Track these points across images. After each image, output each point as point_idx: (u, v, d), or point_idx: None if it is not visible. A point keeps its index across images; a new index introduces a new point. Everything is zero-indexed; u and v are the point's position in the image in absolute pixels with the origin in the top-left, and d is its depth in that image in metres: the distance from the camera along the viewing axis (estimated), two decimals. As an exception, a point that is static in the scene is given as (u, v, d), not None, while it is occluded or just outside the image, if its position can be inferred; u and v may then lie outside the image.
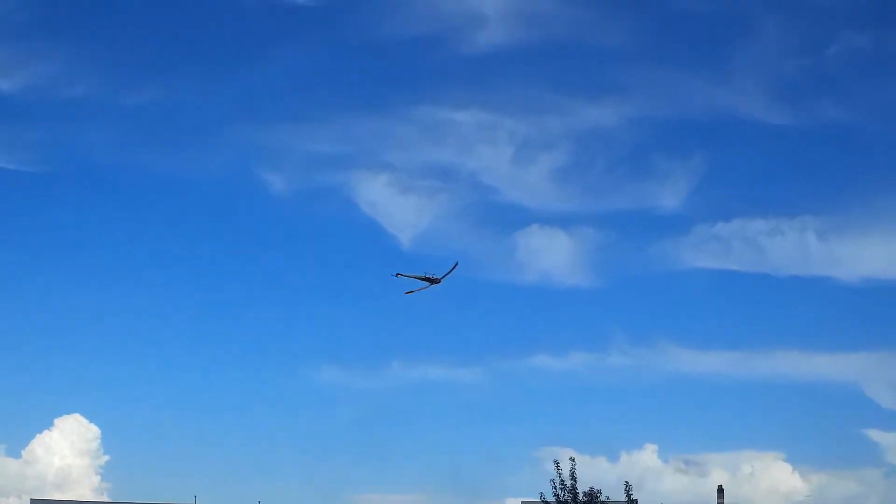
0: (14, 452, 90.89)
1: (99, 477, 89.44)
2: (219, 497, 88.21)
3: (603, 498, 53.27)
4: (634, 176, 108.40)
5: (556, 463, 53.09)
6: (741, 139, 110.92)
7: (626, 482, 53.22)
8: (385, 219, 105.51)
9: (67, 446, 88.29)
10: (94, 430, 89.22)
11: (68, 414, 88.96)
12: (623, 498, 53.59)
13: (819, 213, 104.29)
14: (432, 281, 70.76)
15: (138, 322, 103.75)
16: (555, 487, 52.95)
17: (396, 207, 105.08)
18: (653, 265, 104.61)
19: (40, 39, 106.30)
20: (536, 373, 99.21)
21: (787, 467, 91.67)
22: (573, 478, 52.75)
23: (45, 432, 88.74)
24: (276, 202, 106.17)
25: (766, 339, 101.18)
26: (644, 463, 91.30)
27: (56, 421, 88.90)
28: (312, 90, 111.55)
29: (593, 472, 57.68)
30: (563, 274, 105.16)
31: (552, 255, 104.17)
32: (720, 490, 72.25)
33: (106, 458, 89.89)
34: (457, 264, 70.88)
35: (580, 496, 52.88)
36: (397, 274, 71.14)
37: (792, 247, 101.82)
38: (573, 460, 52.87)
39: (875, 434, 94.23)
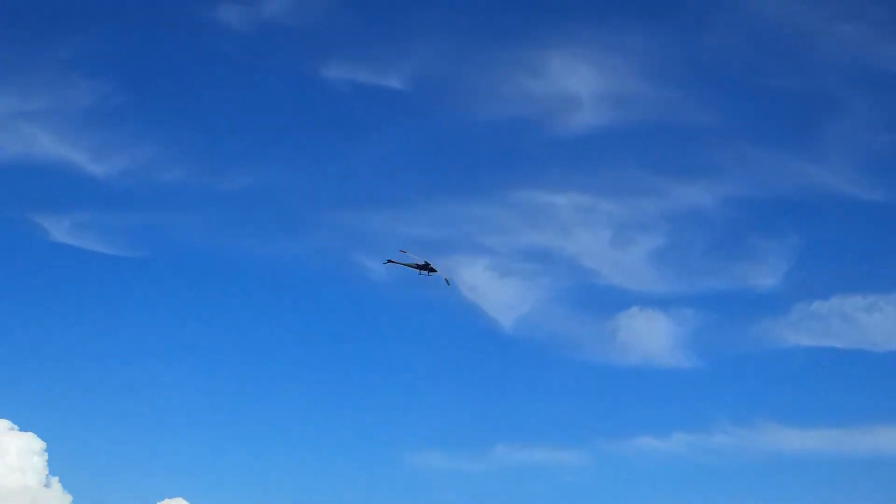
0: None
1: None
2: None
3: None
4: (731, 256, 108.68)
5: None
6: (835, 216, 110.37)
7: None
8: (486, 302, 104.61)
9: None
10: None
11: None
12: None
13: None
14: (423, 267, 71.30)
15: (237, 406, 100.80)
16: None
17: (497, 291, 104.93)
18: (752, 344, 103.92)
19: (137, 125, 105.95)
20: (640, 454, 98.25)
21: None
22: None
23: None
24: (375, 287, 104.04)
25: (868, 416, 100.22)
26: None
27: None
28: (409, 174, 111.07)
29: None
30: (663, 355, 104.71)
31: (652, 337, 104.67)
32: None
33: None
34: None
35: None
36: (389, 261, 71.97)
37: (890, 322, 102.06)
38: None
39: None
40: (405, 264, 71.63)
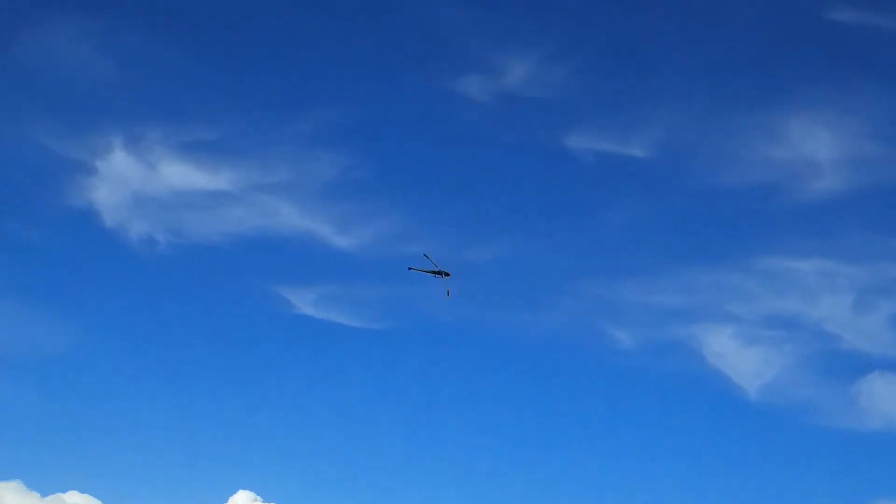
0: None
1: None
2: None
3: None
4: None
5: None
6: None
7: None
8: (731, 370, 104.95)
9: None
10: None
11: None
12: None
13: None
14: (442, 274, 74.89)
15: (481, 486, 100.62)
16: None
17: (742, 359, 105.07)
18: None
19: (381, 196, 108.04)
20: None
21: None
22: None
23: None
24: (622, 357, 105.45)
25: None
26: None
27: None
28: (653, 243, 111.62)
29: None
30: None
31: (894, 401, 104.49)
32: None
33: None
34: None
35: None
36: (410, 268, 75.65)
37: None
38: None
39: None
40: (426, 270, 74.89)
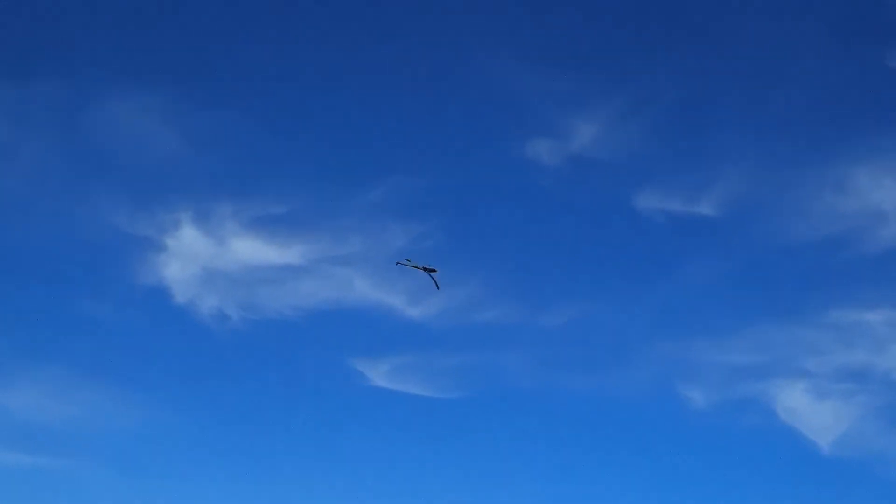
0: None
1: None
2: None
3: None
4: None
5: None
6: None
7: None
8: (804, 426, 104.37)
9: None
10: None
11: None
12: None
13: None
14: (429, 270, 76.82)
15: None
16: None
17: (814, 413, 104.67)
18: None
19: (453, 264, 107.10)
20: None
21: None
22: None
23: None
24: (696, 416, 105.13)
25: None
26: None
27: None
28: (724, 301, 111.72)
29: None
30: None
31: None
32: None
33: None
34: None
35: None
36: (398, 262, 77.07)
37: None
38: None
39: None
40: (413, 266, 76.67)
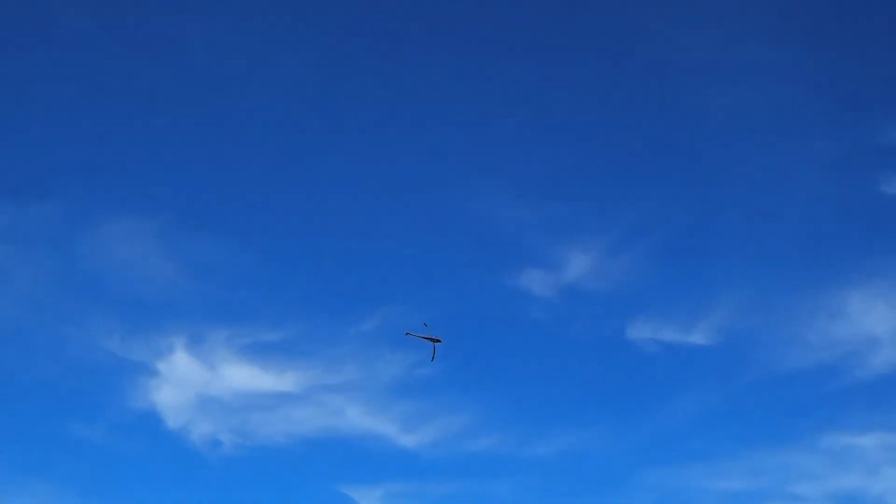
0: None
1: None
2: None
3: None
4: None
5: None
6: None
7: None
8: None
9: None
10: None
11: None
12: None
13: None
14: (434, 340, 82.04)
15: None
16: None
17: None
18: None
19: (446, 395, 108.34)
20: None
21: None
22: None
23: None
24: None
25: None
26: None
27: None
28: (719, 428, 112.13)
29: None
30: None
31: None
32: None
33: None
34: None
35: None
36: (406, 333, 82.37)
37: None
38: None
39: None
40: (421, 336, 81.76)
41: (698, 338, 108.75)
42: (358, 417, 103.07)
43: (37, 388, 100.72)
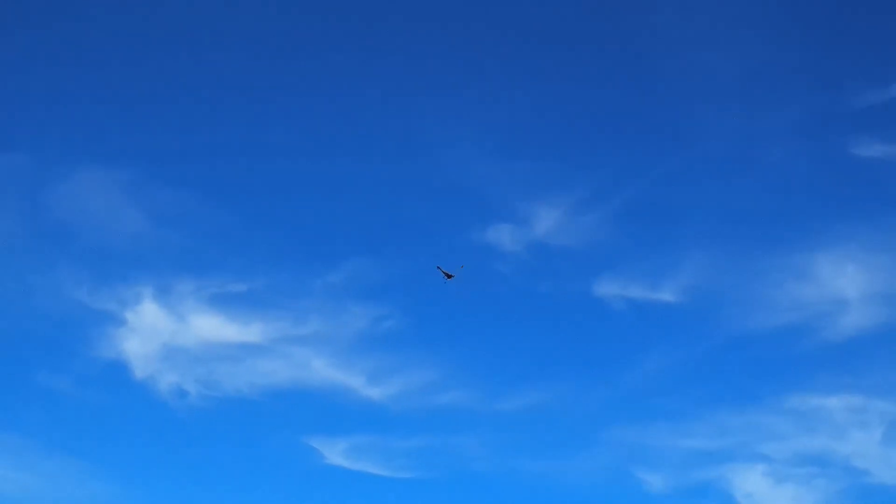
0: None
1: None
2: None
3: None
4: None
5: None
6: None
7: None
8: None
9: None
10: None
11: None
12: None
13: None
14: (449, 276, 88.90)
15: None
16: None
17: (774, 498, 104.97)
18: None
19: (412, 348, 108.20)
20: None
21: None
22: None
23: None
24: (654, 501, 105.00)
25: None
26: None
27: None
28: (684, 387, 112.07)
29: None
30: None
31: None
32: None
33: None
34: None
35: None
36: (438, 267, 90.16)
37: None
38: None
39: None
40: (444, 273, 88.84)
41: (666, 295, 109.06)
42: (324, 369, 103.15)
43: (3, 337, 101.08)
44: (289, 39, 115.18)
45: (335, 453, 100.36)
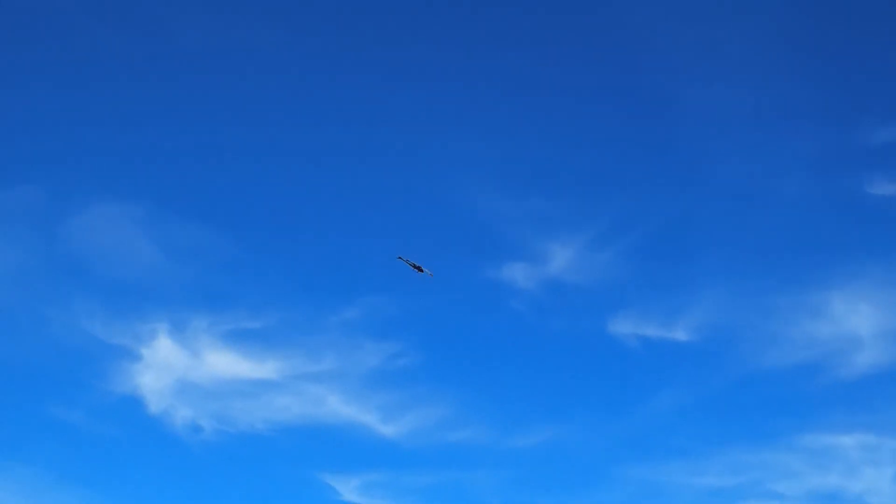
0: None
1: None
2: None
3: None
4: None
5: None
6: None
7: None
8: None
9: None
10: None
11: None
12: None
13: None
14: (419, 269, 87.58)
15: None
16: None
17: None
18: None
19: (427, 385, 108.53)
20: None
21: None
22: None
23: None
24: None
25: None
26: None
27: None
28: (698, 425, 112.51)
29: None
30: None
31: None
32: None
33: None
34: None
35: None
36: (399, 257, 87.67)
37: None
38: None
39: None
40: (410, 264, 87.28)
41: (679, 334, 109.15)
42: (338, 406, 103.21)
43: (18, 370, 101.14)
44: (307, 76, 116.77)
45: (349, 490, 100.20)
